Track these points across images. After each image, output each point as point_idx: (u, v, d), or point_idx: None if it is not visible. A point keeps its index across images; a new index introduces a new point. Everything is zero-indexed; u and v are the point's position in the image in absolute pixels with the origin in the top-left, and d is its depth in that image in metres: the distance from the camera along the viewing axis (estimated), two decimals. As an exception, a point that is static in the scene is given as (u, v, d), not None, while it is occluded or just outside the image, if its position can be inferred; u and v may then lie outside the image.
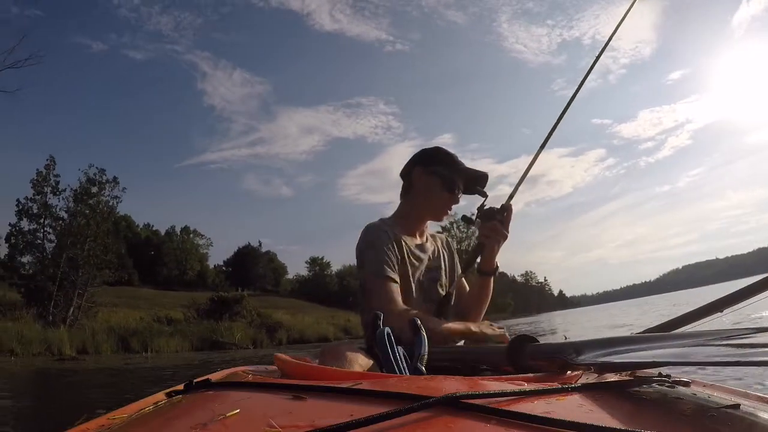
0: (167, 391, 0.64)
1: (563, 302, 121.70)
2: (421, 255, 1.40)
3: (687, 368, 0.76)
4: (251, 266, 53.13)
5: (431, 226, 1.52)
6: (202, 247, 54.73)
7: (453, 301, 1.40)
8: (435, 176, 1.42)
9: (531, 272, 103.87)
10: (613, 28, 1.69)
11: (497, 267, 1.42)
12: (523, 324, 25.68)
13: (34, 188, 18.21)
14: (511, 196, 1.39)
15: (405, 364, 0.84)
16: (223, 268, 55.44)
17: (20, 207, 18.12)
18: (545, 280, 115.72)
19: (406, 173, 1.51)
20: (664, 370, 0.71)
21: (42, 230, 18.19)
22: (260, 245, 58.07)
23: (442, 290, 1.41)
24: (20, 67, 16.94)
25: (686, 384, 0.66)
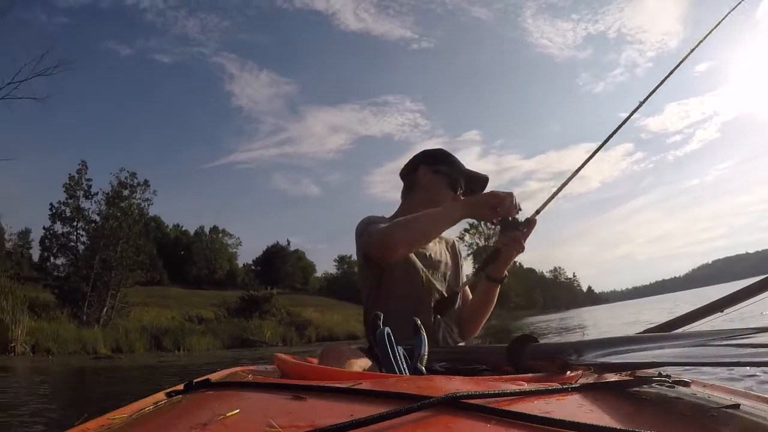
0: (167, 391, 0.64)
1: (592, 298, 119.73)
2: (422, 253, 1.40)
3: (687, 368, 0.76)
4: (280, 265, 53.22)
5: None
6: (231, 246, 55.09)
7: (457, 304, 1.39)
8: (440, 175, 1.44)
9: (560, 268, 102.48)
10: (706, 33, 1.64)
11: (506, 276, 1.40)
12: (552, 320, 25.48)
13: (67, 192, 18.82)
14: (537, 212, 1.34)
15: (405, 364, 0.84)
16: (252, 267, 55.53)
17: (53, 211, 18.78)
18: (574, 276, 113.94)
19: (407, 173, 1.51)
20: (664, 370, 0.71)
21: (75, 233, 18.83)
22: (289, 244, 58.12)
23: (439, 291, 1.40)
24: (49, 75, 17.77)
25: (686, 384, 0.66)
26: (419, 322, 0.94)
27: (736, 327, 0.73)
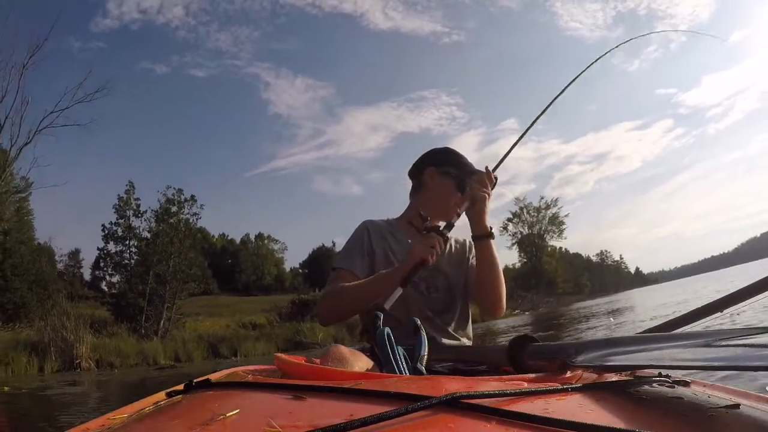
0: (167, 390, 0.64)
1: (641, 279, 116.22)
2: None
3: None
4: (327, 266, 53.61)
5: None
6: (277, 251, 56.29)
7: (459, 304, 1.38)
8: (448, 177, 1.41)
9: (606, 251, 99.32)
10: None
11: (491, 229, 1.32)
12: (599, 304, 25.25)
13: (117, 213, 19.57)
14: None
15: (405, 365, 0.84)
16: (300, 270, 56.28)
17: (106, 232, 19.61)
18: (621, 258, 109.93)
19: (415, 173, 1.49)
20: (664, 370, 0.71)
21: (128, 251, 19.69)
22: (334, 245, 58.43)
23: (438, 294, 1.39)
24: (90, 101, 18.25)
25: (686, 384, 0.66)
26: (419, 322, 0.94)
27: (736, 327, 0.73)
